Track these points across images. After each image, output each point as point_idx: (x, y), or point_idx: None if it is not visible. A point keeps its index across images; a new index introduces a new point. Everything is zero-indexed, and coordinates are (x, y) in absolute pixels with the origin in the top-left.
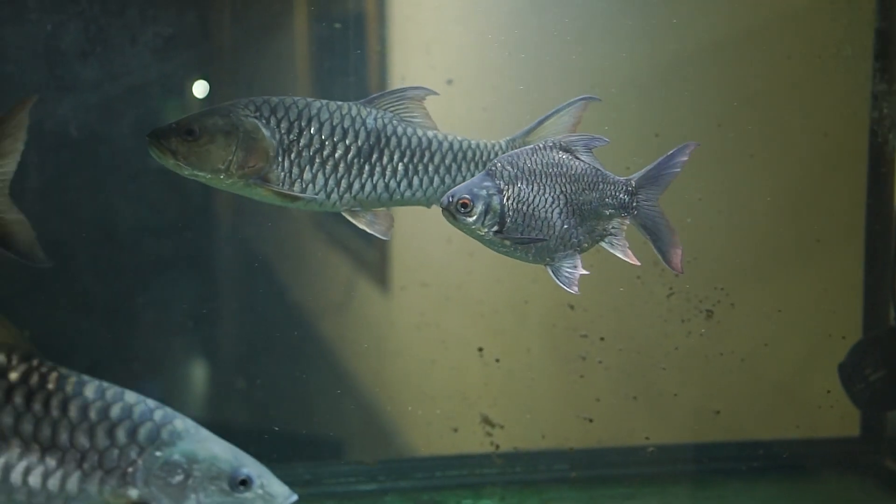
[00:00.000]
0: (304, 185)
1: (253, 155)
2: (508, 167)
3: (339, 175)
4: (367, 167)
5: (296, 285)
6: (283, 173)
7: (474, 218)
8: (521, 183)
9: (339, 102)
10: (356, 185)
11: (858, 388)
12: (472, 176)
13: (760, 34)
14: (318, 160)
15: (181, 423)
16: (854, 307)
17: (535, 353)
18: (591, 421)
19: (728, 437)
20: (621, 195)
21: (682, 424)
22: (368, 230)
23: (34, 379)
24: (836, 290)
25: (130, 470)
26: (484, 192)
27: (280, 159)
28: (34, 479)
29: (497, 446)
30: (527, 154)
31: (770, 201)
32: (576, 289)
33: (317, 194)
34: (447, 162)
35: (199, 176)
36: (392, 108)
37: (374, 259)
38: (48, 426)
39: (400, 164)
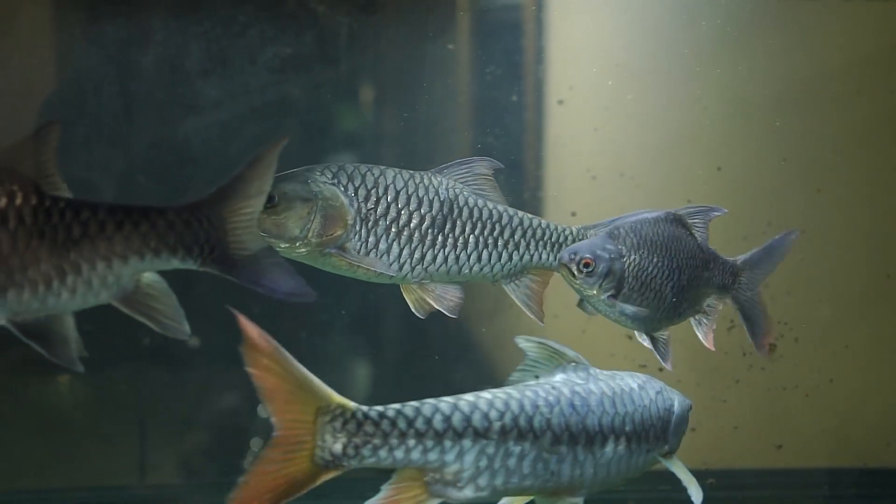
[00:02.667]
0: (378, 256)
1: (332, 223)
2: (632, 234)
3: (412, 245)
4: (439, 238)
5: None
6: (359, 243)
7: (594, 279)
8: (643, 251)
9: (411, 171)
10: (428, 257)
11: None
12: (541, 256)
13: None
14: (393, 229)
15: (658, 382)
16: None
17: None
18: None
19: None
20: (726, 276)
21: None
22: (436, 305)
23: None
24: None
25: (664, 432)
26: (607, 255)
27: (358, 228)
28: (611, 469)
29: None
30: (649, 224)
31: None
32: (669, 364)
33: (390, 264)
34: (517, 238)
35: (274, 245)
36: (461, 180)
37: None
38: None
39: (471, 236)
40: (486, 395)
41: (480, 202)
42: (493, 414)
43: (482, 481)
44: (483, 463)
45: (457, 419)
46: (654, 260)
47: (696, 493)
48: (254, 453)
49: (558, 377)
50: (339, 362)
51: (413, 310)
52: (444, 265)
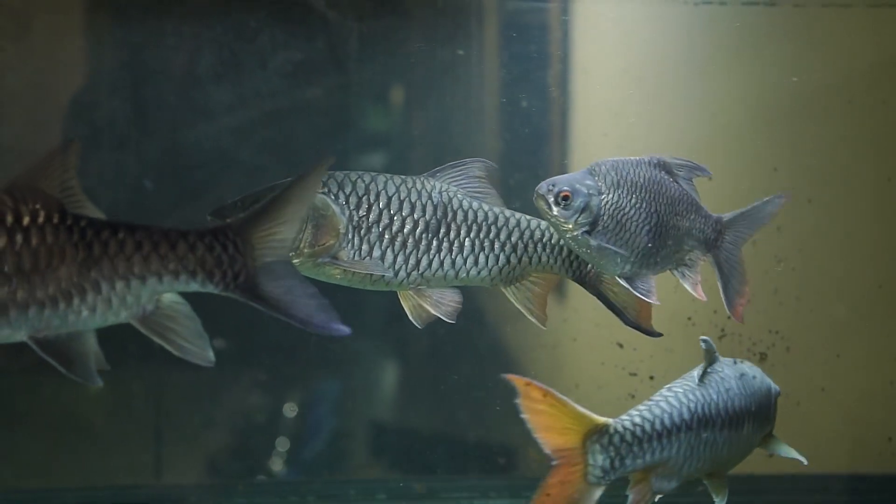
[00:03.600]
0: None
1: (324, 232)
2: (612, 172)
3: (407, 251)
4: (434, 243)
5: (476, 292)
6: (352, 251)
7: (570, 213)
8: (622, 191)
9: (403, 176)
10: (424, 262)
11: None
12: (540, 258)
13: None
14: (386, 236)
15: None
16: None
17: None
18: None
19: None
20: (709, 231)
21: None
22: (434, 311)
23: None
24: None
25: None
26: (585, 190)
27: (350, 236)
28: (743, 448)
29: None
30: (631, 164)
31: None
32: (654, 298)
33: (386, 272)
34: (514, 240)
35: None
36: (455, 183)
37: None
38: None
39: (466, 239)
40: (677, 388)
41: (475, 205)
42: (692, 406)
43: (685, 470)
44: (688, 453)
45: (676, 415)
46: (633, 200)
47: (803, 459)
48: (279, 453)
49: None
50: (352, 365)
51: (410, 318)
52: (440, 270)
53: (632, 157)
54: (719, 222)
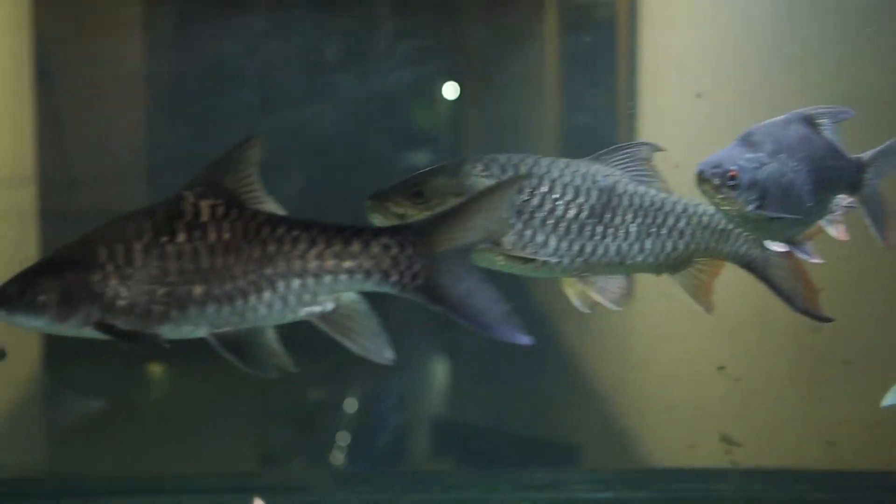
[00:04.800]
0: (535, 250)
1: None
2: (769, 140)
3: (571, 237)
4: (599, 228)
5: (538, 289)
6: (514, 236)
7: (738, 192)
8: (782, 157)
9: (567, 160)
10: (588, 248)
11: None
12: (707, 244)
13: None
14: (550, 221)
15: None
16: None
17: (777, 373)
18: (833, 444)
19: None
20: (855, 174)
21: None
22: (598, 298)
23: None
24: None
25: None
26: (749, 165)
27: (512, 221)
28: None
29: (736, 464)
30: (781, 126)
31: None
32: (818, 258)
33: (549, 258)
34: (681, 226)
35: None
36: (620, 167)
37: None
38: None
39: (632, 225)
40: None
41: (641, 189)
42: None
43: None
44: None
45: None
46: (792, 164)
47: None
48: (339, 447)
49: None
50: (417, 364)
51: (576, 304)
52: (604, 256)
53: (778, 118)
54: (861, 162)
